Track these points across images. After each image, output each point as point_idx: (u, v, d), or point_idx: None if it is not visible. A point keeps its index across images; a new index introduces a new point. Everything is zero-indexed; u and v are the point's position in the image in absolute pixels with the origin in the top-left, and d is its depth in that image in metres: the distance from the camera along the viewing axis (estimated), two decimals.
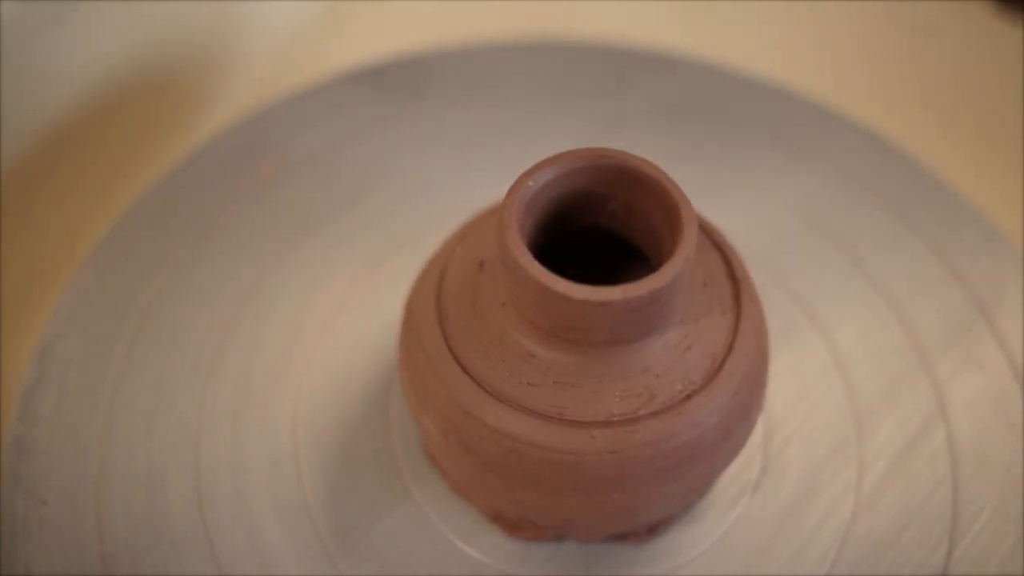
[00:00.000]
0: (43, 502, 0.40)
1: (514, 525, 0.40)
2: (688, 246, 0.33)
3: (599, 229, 0.38)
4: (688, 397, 0.34)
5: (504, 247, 0.33)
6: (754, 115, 0.55)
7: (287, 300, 0.47)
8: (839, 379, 0.44)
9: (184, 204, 0.49)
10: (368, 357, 0.45)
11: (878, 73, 0.65)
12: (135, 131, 0.59)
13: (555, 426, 0.34)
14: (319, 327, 0.46)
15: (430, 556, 0.39)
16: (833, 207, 0.51)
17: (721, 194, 0.51)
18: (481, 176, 0.51)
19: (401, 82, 0.56)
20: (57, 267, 0.53)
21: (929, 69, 0.65)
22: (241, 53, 0.66)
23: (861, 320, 0.46)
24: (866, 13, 0.66)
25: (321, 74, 0.56)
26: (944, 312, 0.47)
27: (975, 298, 0.47)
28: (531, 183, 0.34)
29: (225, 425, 0.42)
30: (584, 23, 0.67)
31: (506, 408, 0.34)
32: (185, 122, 0.62)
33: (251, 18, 0.66)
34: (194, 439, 0.42)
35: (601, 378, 0.34)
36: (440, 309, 0.37)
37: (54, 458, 0.41)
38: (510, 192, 0.34)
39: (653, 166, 0.35)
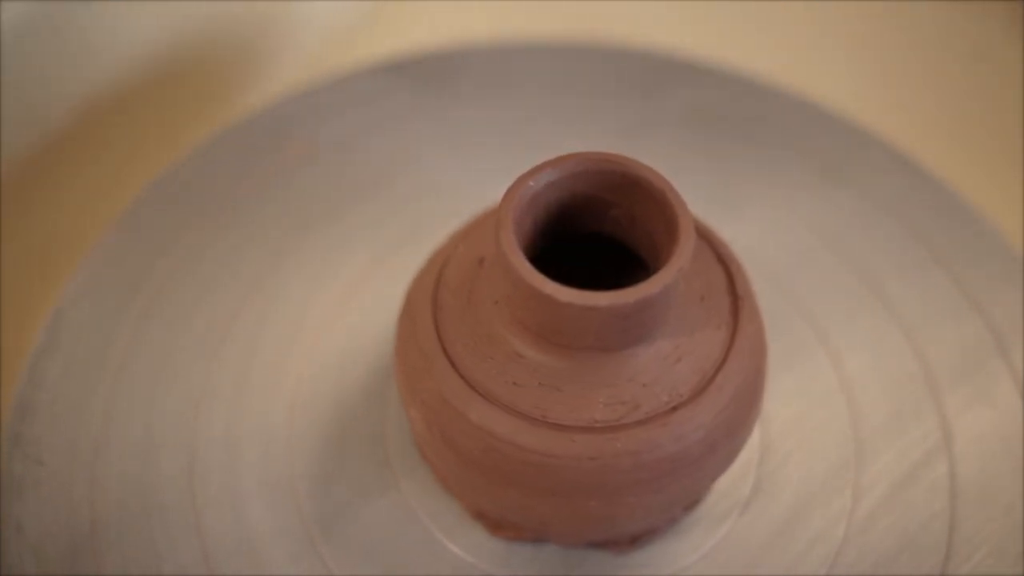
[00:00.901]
0: (40, 462, 0.41)
1: (496, 524, 0.40)
2: (682, 258, 0.32)
3: (603, 234, 0.37)
4: (674, 409, 0.34)
5: (498, 245, 0.33)
6: (784, 130, 0.54)
7: (296, 286, 0.47)
8: (844, 403, 0.44)
9: (202, 186, 0.50)
10: (370, 348, 0.45)
11: (915, 95, 0.64)
12: (167, 111, 0.60)
13: (537, 428, 0.34)
14: (325, 316, 0.46)
15: (411, 549, 0.39)
16: (856, 229, 0.50)
17: (742, 207, 0.50)
18: (499, 175, 0.51)
19: (428, 77, 0.56)
20: (78, 238, 0.54)
21: (969, 93, 0.63)
22: (283, 42, 0.66)
23: (873, 345, 0.45)
24: (914, 36, 0.65)
25: (352, 65, 0.56)
26: (960, 344, 0.46)
27: (994, 332, 0.46)
28: (532, 183, 0.34)
29: (224, 403, 0.43)
30: (623, 26, 0.67)
31: (490, 406, 0.34)
32: (216, 107, 0.63)
33: (295, 9, 0.66)
34: (193, 414, 0.42)
35: (586, 383, 0.34)
36: (436, 302, 0.37)
37: (56, 421, 0.42)
38: (509, 191, 0.34)
39: (657, 175, 0.34)
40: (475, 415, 0.34)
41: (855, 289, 0.47)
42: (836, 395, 0.44)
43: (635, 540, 0.40)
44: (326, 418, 0.43)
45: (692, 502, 0.40)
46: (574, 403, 0.34)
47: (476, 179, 0.51)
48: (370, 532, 0.40)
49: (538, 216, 0.35)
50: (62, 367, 0.44)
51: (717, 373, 0.35)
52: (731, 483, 0.41)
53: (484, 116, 0.54)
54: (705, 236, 0.38)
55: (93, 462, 0.41)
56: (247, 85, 0.65)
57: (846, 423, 0.43)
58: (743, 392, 0.36)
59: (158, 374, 0.44)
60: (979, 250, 0.49)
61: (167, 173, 0.50)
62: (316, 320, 0.46)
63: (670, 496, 0.35)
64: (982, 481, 0.41)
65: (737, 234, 0.49)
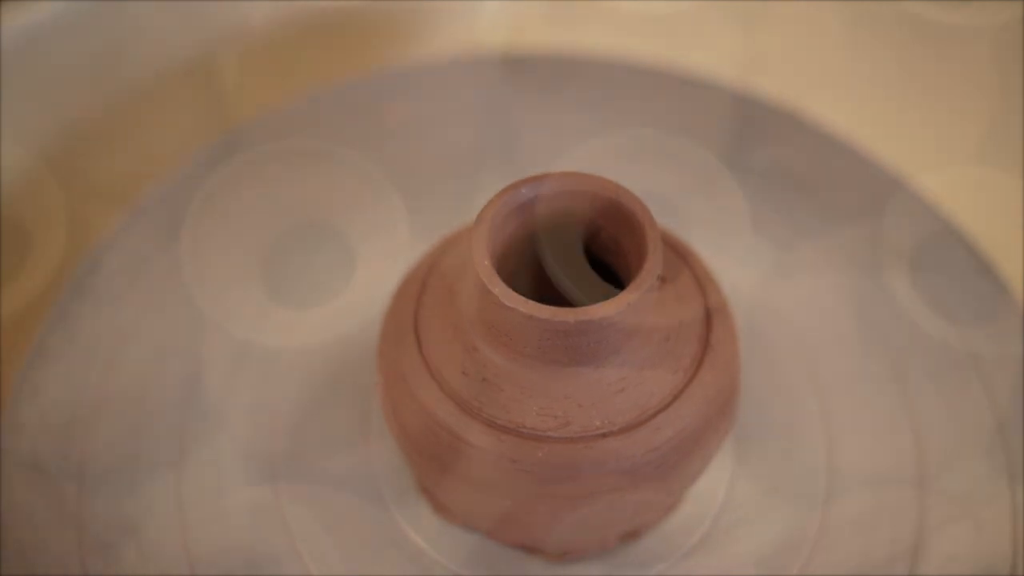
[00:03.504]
0: (73, 340, 0.45)
1: (440, 504, 0.41)
2: (632, 294, 0.33)
3: (594, 256, 0.38)
4: (603, 436, 0.35)
5: (470, 240, 0.34)
6: (870, 204, 0.53)
7: (348, 245, 0.50)
8: (822, 485, 0.43)
9: (284, 139, 0.53)
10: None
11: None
12: (293, 70, 0.65)
13: (470, 419, 0.35)
14: (368, 277, 0.49)
15: (356, 503, 0.42)
16: (905, 321, 0.48)
17: (794, 271, 0.50)
18: None
19: (536, 77, 0.57)
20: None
21: None
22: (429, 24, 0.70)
23: (875, 438, 0.44)
24: None
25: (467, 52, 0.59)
26: (970, 463, 0.43)
27: (1010, 459, 0.43)
28: (524, 190, 0.36)
29: (245, 327, 0.46)
30: (751, 71, 0.66)
31: (436, 388, 0.36)
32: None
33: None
34: (212, 329, 0.46)
35: (524, 389, 0.35)
36: (426, 282, 0.39)
37: (102, 306, 0.46)
38: (500, 193, 0.36)
39: (643, 208, 0.35)
40: (421, 392, 0.36)
41: (879, 379, 0.46)
42: (818, 475, 0.43)
43: (564, 555, 0.40)
44: (331, 366, 0.46)
45: (628, 534, 0.40)
46: (510, 405, 0.35)
47: None
48: (326, 475, 0.42)
49: (528, 224, 0.37)
50: (124, 261, 0.48)
51: (659, 413, 0.35)
52: (680, 528, 0.41)
53: (574, 125, 0.55)
54: (701, 281, 0.39)
55: (117, 350, 0.45)
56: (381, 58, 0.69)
57: (817, 505, 0.42)
58: (684, 439, 0.36)
59: (199, 286, 0.47)
60: None
61: (252, 124, 0.54)
62: (358, 280, 0.49)
63: (584, 518, 0.36)
64: None
65: (778, 295, 0.49)
